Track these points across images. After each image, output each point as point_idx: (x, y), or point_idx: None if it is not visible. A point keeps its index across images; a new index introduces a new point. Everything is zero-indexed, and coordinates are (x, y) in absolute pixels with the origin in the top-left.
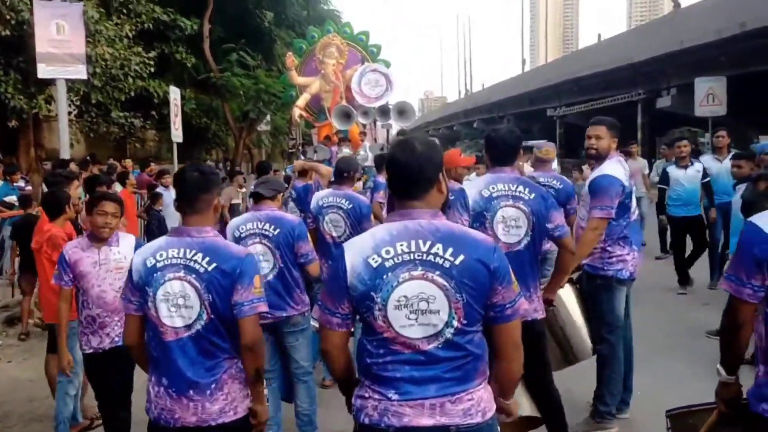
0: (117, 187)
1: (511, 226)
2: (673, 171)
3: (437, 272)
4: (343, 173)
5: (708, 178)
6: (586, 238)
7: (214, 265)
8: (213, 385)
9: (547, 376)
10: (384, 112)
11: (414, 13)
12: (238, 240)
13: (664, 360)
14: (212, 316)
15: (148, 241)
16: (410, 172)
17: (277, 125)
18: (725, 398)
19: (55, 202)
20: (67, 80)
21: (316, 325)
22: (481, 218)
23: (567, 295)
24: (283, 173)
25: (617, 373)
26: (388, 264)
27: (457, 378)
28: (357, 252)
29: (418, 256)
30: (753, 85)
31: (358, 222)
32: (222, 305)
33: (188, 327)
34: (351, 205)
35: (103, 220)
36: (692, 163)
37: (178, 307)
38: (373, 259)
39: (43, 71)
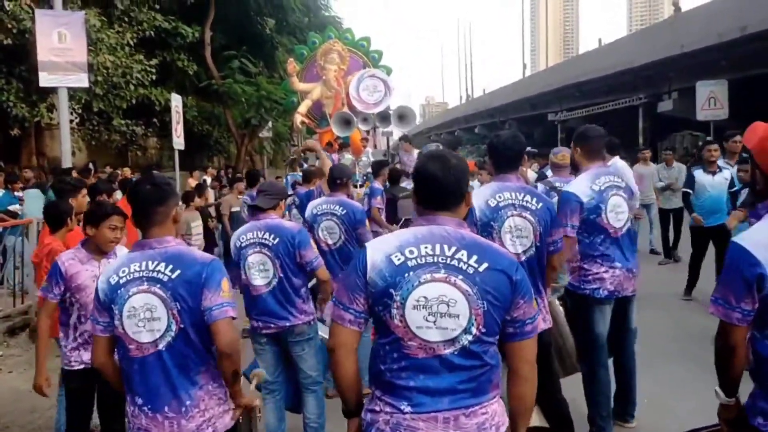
0: (117, 195)
1: (517, 236)
2: (701, 176)
3: (460, 276)
4: (337, 180)
5: (736, 187)
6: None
7: (178, 272)
8: (188, 402)
9: (554, 385)
10: (384, 117)
11: (414, 18)
12: (239, 250)
13: (669, 365)
14: (182, 326)
15: None
16: (446, 186)
17: (279, 132)
18: (727, 419)
19: (56, 213)
20: (68, 88)
21: (325, 335)
22: (488, 228)
23: (560, 311)
24: (284, 180)
25: (602, 395)
26: (410, 263)
27: (471, 390)
28: (379, 249)
29: (442, 259)
30: (754, 89)
31: (352, 227)
32: (190, 313)
33: (159, 341)
34: (345, 211)
35: (113, 234)
36: (720, 170)
37: (145, 321)
38: (396, 256)
39: (44, 80)
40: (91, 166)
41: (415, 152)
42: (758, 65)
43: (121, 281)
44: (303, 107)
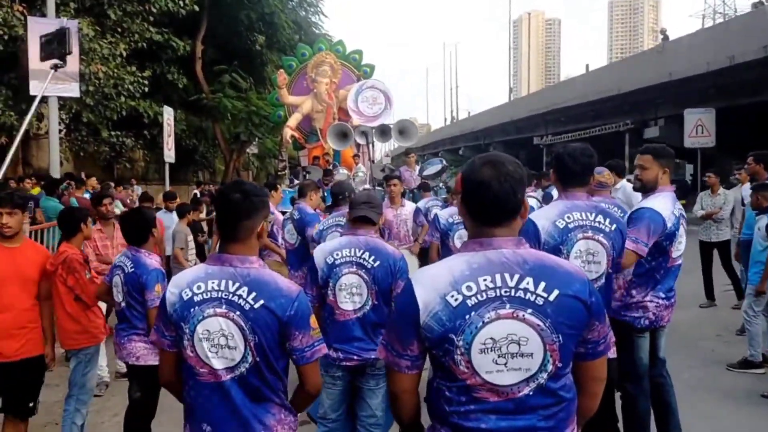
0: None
1: (589, 261)
2: None
3: (529, 310)
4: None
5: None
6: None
7: (261, 302)
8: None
9: (613, 414)
10: (384, 132)
11: (399, 38)
12: (331, 267)
13: (689, 393)
14: (257, 359)
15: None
16: (501, 196)
17: (267, 147)
18: None
19: (70, 219)
20: (59, 98)
21: None
22: (556, 254)
23: None
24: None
25: (639, 424)
26: (470, 302)
27: (549, 428)
28: (431, 288)
29: (505, 291)
30: (741, 117)
31: None
32: (270, 348)
33: (232, 369)
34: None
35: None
36: None
37: (219, 347)
38: (452, 296)
39: (35, 88)
40: (84, 176)
41: (417, 168)
42: (745, 94)
43: (196, 298)
44: (293, 121)
